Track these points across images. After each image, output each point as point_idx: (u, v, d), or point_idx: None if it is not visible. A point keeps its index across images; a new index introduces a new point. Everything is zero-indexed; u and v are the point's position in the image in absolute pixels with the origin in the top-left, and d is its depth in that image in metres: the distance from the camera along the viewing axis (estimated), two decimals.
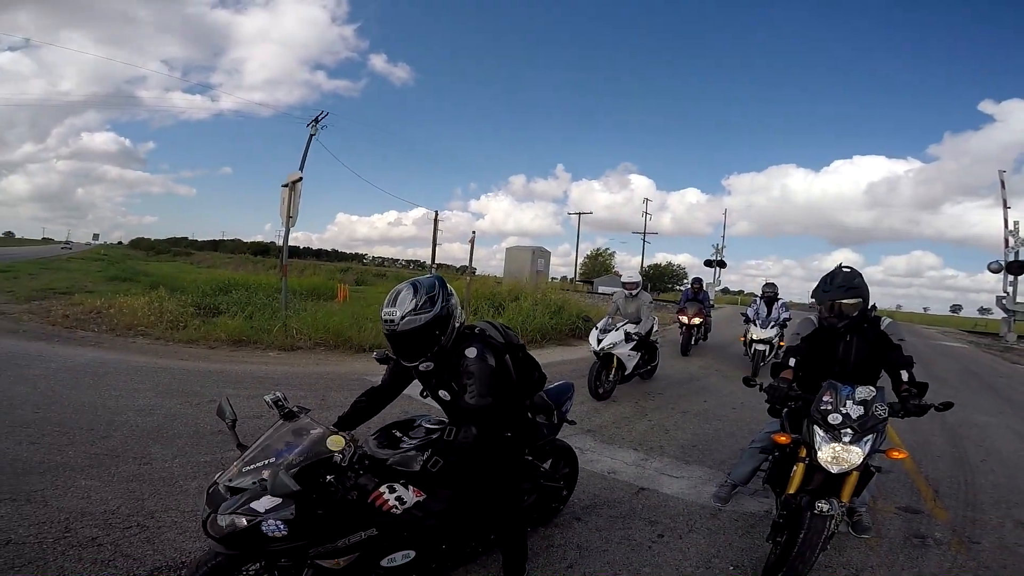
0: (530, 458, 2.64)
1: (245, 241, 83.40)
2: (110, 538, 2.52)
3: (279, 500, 1.68)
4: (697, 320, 9.60)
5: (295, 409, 2.00)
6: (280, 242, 11.31)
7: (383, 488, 1.84)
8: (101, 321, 8.49)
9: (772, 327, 8.05)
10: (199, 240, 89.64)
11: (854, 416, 2.38)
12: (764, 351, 7.95)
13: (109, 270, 20.32)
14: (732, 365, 8.77)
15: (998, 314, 24.27)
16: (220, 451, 3.64)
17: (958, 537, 3.20)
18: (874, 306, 2.81)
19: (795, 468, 2.52)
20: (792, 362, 2.79)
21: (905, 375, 2.57)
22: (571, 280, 45.39)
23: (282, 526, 1.67)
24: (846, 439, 2.36)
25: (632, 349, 6.12)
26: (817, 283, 2.87)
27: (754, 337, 8.08)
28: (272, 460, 1.79)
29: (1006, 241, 22.72)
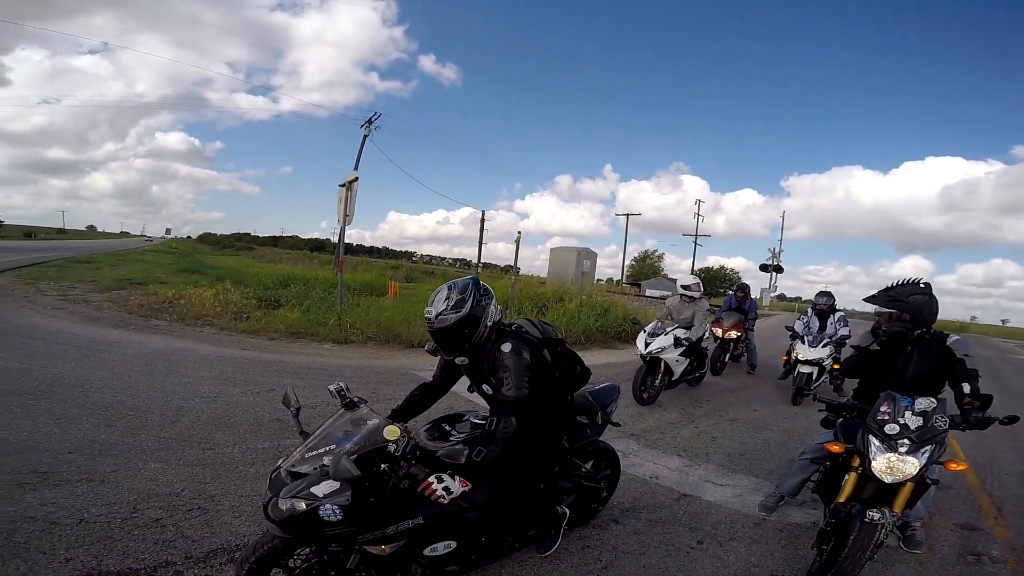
0: (572, 458, 2.67)
1: (303, 238, 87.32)
2: (172, 519, 2.62)
3: (337, 485, 1.76)
4: (734, 334, 8.00)
5: (356, 399, 2.13)
6: (335, 239, 11.69)
7: (432, 478, 1.90)
8: (172, 310, 9.06)
9: (824, 346, 6.49)
10: (260, 236, 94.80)
11: (912, 427, 2.33)
12: (810, 374, 6.48)
13: (179, 263, 21.68)
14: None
15: None
16: (277, 439, 3.77)
17: (1016, 556, 3.02)
18: (935, 331, 2.77)
19: (847, 477, 2.49)
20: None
21: (968, 388, 2.53)
22: (617, 282, 44.67)
23: (338, 511, 1.75)
24: (902, 449, 2.31)
25: (681, 355, 5.96)
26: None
27: (799, 357, 6.55)
28: (332, 447, 1.90)
29: None
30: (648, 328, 6.15)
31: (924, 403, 2.39)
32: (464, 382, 2.47)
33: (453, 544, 2.07)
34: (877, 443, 2.37)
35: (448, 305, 2.13)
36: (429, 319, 2.15)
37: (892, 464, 2.31)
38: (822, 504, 2.83)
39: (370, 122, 13.04)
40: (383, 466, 1.86)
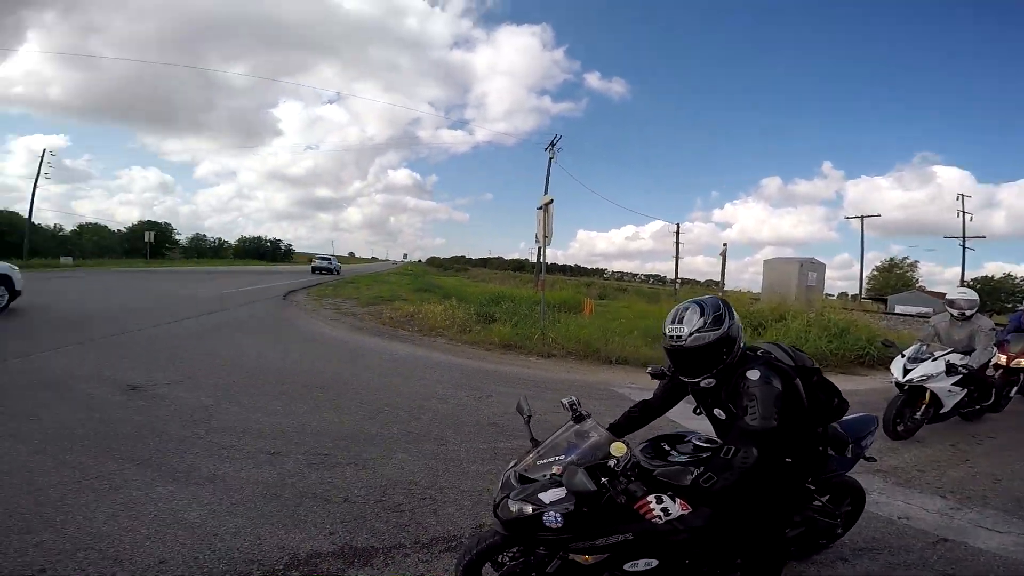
0: (810, 487, 2.45)
1: (506, 258, 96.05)
2: (410, 505, 2.99)
3: (563, 494, 1.84)
4: None
5: (584, 413, 2.23)
6: (533, 258, 12.51)
7: (651, 497, 1.87)
8: (413, 323, 10.92)
9: None
10: (472, 258, 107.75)
11: None
12: None
13: (415, 283, 25.93)
14: None
15: None
16: (494, 441, 4.16)
17: None
18: None
19: None
20: None
21: None
22: (854, 297, 37.38)
23: (560, 518, 1.82)
24: None
25: (955, 384, 4.83)
26: None
27: None
28: (561, 457, 2.01)
29: None
30: (908, 352, 5.16)
31: None
32: (680, 406, 2.41)
33: (655, 563, 2.01)
34: None
35: (705, 322, 2.01)
36: (678, 337, 2.03)
37: None
38: None
39: (552, 144, 13.75)
40: (603, 480, 1.88)
